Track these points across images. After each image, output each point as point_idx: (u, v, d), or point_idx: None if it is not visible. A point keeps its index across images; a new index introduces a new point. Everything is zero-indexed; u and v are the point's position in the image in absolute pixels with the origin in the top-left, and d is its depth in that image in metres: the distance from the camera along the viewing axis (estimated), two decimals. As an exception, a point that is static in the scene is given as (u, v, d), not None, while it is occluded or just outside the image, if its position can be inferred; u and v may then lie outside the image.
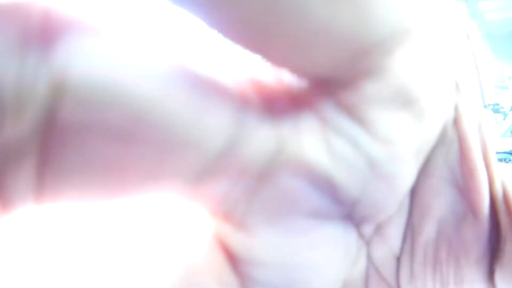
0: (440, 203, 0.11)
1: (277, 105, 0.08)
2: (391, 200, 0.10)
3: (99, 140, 0.07)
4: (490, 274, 0.12)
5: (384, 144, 0.08)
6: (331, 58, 0.07)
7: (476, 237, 0.11)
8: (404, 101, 0.08)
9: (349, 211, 0.09)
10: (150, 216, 0.09)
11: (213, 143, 0.07)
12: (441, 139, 0.10)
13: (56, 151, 0.06)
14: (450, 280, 0.12)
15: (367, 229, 0.11)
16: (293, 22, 0.06)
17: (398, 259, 0.12)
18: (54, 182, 0.07)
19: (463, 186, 0.11)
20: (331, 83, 0.08)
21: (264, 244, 0.09)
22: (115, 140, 0.07)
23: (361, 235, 0.11)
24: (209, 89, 0.07)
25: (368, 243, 0.11)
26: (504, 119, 2.30)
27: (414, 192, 0.11)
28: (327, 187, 0.09)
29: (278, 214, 0.09)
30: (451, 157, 0.11)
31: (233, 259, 0.09)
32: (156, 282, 0.09)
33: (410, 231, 0.12)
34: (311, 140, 0.08)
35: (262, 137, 0.08)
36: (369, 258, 0.12)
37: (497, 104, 2.76)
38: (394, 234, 0.12)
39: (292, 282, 0.09)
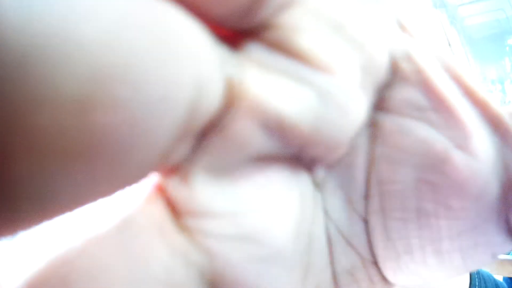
0: (411, 143, 0.09)
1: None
2: (342, 136, 0.09)
3: None
4: (507, 221, 0.09)
5: (326, 72, 0.08)
6: None
7: (471, 174, 0.09)
8: (330, 26, 0.08)
9: (297, 153, 0.09)
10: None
11: (184, 99, 0.07)
12: (393, 75, 0.10)
13: None
14: (443, 234, 0.09)
15: (319, 173, 0.10)
16: None
17: (366, 220, 0.10)
18: None
19: (438, 121, 0.09)
20: (249, 26, 0.08)
21: (209, 193, 0.08)
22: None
23: (314, 181, 0.10)
24: (175, 36, 0.06)
25: (322, 192, 0.10)
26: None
27: (374, 135, 0.10)
28: (276, 127, 0.08)
29: (224, 161, 0.08)
30: (412, 94, 0.09)
31: (179, 213, 0.08)
32: (92, 233, 0.08)
33: (376, 181, 0.10)
34: (255, 82, 0.08)
35: (216, 81, 0.07)
36: (327, 214, 0.10)
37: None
38: (354, 186, 0.10)
39: (247, 230, 0.09)
